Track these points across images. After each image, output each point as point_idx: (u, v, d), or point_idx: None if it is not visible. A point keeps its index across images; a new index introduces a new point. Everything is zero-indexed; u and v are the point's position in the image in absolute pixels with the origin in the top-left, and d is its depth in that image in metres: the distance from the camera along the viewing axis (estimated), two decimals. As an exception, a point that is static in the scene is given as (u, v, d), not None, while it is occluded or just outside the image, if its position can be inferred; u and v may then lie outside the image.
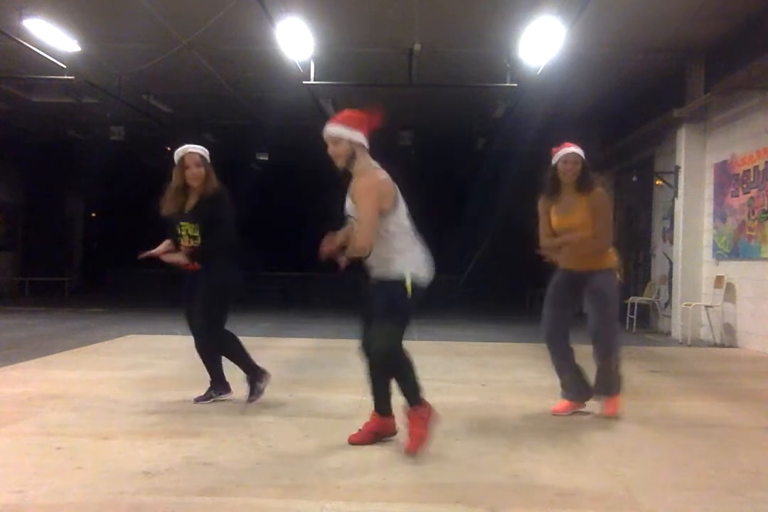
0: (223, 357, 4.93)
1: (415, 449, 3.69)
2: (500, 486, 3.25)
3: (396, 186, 3.79)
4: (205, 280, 4.67)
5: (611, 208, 4.85)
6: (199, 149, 4.74)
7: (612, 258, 4.68)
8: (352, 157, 3.77)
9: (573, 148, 4.59)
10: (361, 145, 3.79)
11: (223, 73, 11.28)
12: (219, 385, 4.92)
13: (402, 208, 3.80)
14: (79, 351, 7.54)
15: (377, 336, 3.68)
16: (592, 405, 4.77)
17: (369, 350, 3.80)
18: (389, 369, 3.78)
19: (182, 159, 4.69)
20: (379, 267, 3.77)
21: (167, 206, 4.71)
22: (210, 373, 4.93)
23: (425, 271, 3.79)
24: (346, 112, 3.85)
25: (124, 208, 20.61)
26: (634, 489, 3.23)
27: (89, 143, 15.97)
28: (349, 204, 3.84)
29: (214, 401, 4.87)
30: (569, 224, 4.60)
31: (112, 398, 5.01)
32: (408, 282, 3.67)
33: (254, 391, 4.87)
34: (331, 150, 3.78)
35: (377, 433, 3.91)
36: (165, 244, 4.89)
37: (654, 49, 9.79)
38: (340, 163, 3.79)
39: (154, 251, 4.83)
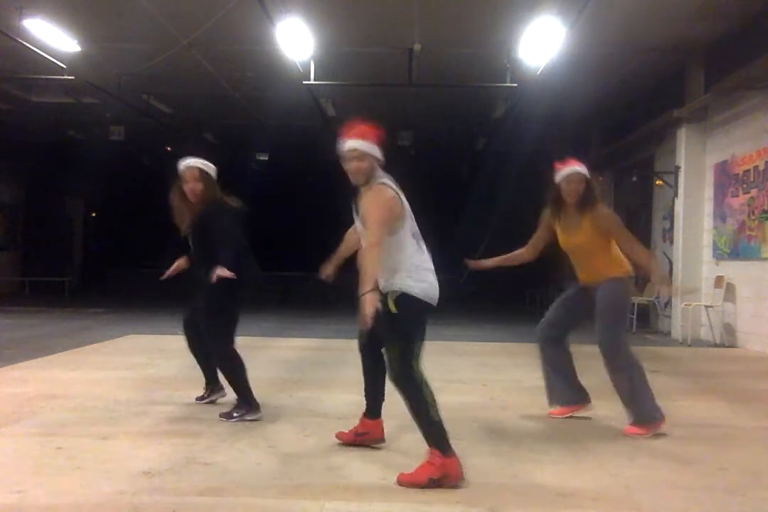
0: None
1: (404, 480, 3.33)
2: (500, 486, 3.25)
3: (403, 198, 3.59)
4: (205, 296, 4.53)
5: (620, 223, 4.55)
6: (198, 163, 4.54)
7: (622, 266, 4.47)
8: (372, 173, 3.55)
9: (577, 167, 4.45)
10: (379, 160, 3.61)
11: (223, 73, 11.28)
12: (215, 386, 4.92)
13: (409, 222, 3.59)
14: (79, 351, 7.54)
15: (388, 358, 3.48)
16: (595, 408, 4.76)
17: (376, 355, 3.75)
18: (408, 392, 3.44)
19: (182, 174, 4.53)
20: (385, 280, 3.53)
21: (180, 223, 4.61)
22: (207, 373, 4.91)
23: (426, 286, 3.52)
24: (362, 127, 3.61)
25: (124, 208, 20.63)
26: (634, 489, 3.23)
27: (89, 143, 15.97)
28: (358, 220, 3.62)
29: (211, 401, 4.87)
30: (574, 244, 4.52)
31: (112, 398, 5.01)
32: (391, 299, 3.43)
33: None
34: (355, 166, 3.53)
35: (361, 434, 3.89)
36: (182, 261, 4.86)
37: (654, 49, 9.79)
38: (359, 179, 3.55)
39: (172, 270, 4.80)
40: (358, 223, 3.68)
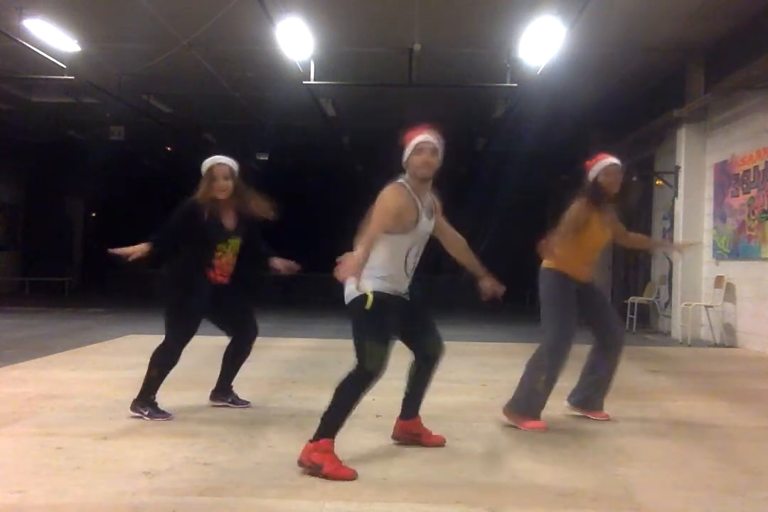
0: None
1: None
2: (500, 486, 3.25)
3: None
4: (244, 293, 4.72)
5: None
6: (228, 161, 4.57)
7: None
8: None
9: (612, 159, 4.45)
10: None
11: (223, 73, 11.28)
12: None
13: None
14: (79, 351, 7.54)
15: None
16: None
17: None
18: None
19: (210, 170, 4.51)
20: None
21: (215, 218, 4.56)
22: (232, 378, 4.87)
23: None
24: (430, 128, 3.72)
25: (124, 208, 20.63)
26: (634, 489, 3.23)
27: (89, 143, 15.98)
28: (431, 221, 3.82)
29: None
30: (607, 239, 4.57)
31: (112, 398, 5.01)
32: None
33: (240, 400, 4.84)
34: (429, 159, 3.58)
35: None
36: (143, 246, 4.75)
37: (654, 49, 9.80)
38: (429, 174, 3.62)
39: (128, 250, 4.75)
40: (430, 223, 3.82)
